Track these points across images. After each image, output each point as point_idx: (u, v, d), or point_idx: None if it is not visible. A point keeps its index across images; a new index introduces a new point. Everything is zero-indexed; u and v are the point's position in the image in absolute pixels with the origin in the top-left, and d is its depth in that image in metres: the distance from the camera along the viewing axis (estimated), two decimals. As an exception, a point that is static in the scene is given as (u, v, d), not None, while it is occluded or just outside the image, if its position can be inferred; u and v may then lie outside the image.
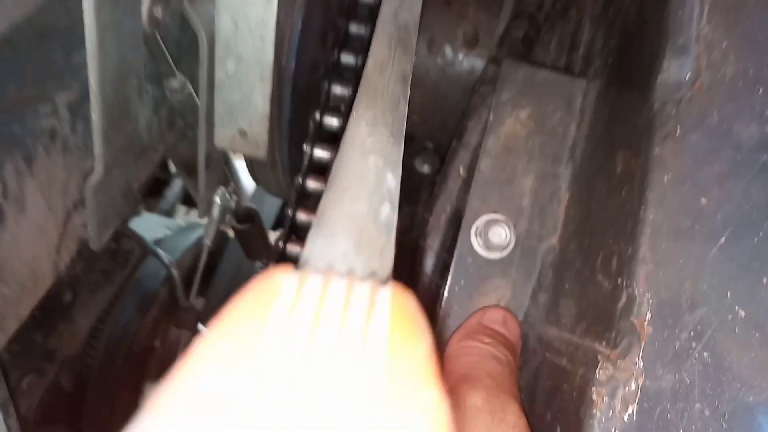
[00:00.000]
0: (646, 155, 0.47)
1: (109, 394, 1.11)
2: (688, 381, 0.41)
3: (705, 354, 0.41)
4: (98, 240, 0.76)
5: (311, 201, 0.78)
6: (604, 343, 0.44)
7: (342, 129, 0.75)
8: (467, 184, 0.66)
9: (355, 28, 0.77)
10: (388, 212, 0.25)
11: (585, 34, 0.76)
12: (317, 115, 0.75)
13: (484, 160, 0.63)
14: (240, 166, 1.48)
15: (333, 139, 0.76)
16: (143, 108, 0.81)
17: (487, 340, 0.56)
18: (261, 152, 0.69)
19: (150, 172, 0.91)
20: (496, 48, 0.75)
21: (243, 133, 0.68)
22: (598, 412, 0.41)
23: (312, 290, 0.20)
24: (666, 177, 0.45)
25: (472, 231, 0.62)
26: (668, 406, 0.40)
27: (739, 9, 0.48)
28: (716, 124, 0.46)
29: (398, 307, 0.21)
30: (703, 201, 0.44)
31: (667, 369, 0.41)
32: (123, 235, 1.15)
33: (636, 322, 0.42)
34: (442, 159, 0.96)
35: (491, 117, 0.64)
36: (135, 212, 0.89)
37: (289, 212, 0.70)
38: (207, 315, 1.29)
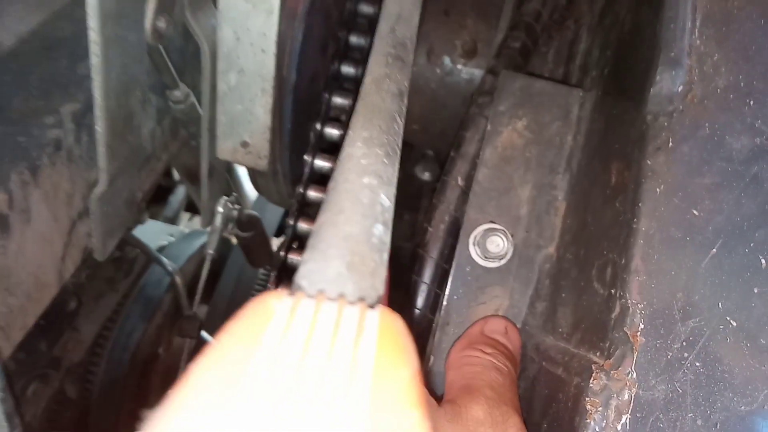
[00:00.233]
0: (639, 167, 0.48)
1: (113, 401, 1.12)
2: (681, 390, 0.42)
3: (697, 364, 0.42)
4: (102, 250, 0.77)
5: (312, 210, 0.79)
6: (598, 353, 0.45)
7: (342, 139, 0.75)
8: (465, 194, 0.67)
9: (355, 39, 0.77)
10: (381, 232, 0.25)
11: (582, 44, 0.76)
12: (318, 126, 0.76)
13: (481, 170, 0.64)
14: (243, 173, 1.49)
15: (334, 149, 0.77)
16: (147, 118, 0.82)
17: (489, 350, 0.56)
18: (263, 163, 0.70)
19: (154, 182, 0.92)
20: (494, 59, 0.76)
21: (245, 145, 0.69)
22: (591, 422, 0.42)
23: (303, 315, 0.21)
24: (658, 188, 0.46)
25: (470, 240, 0.62)
26: (661, 416, 0.41)
27: (730, 22, 0.49)
28: (708, 135, 0.47)
29: (385, 331, 0.21)
30: (695, 212, 0.45)
31: (660, 379, 0.42)
32: (127, 242, 1.16)
33: (629, 332, 0.43)
34: (442, 166, 0.97)
35: (489, 127, 0.65)
36: (139, 221, 0.90)
37: (291, 222, 0.71)
38: (210, 322, 1.30)
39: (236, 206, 0.97)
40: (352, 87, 0.79)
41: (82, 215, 0.81)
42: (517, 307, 0.62)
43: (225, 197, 0.95)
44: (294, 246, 0.73)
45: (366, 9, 0.77)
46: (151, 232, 1.35)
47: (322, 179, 0.77)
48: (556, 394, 0.49)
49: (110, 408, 1.11)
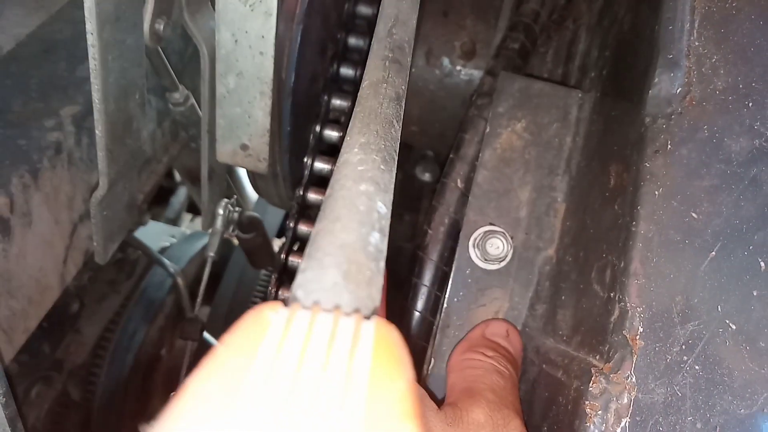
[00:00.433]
0: (637, 169, 0.48)
1: (116, 403, 1.12)
2: (680, 394, 0.42)
3: (697, 367, 0.42)
4: (104, 254, 0.78)
5: (312, 212, 0.79)
6: (597, 356, 0.45)
7: (341, 141, 0.76)
8: (465, 196, 0.67)
9: (353, 41, 0.77)
10: (378, 240, 0.26)
11: (581, 45, 0.76)
12: (317, 128, 0.76)
13: (481, 172, 0.64)
14: (244, 174, 1.49)
15: (333, 151, 0.77)
16: (147, 121, 0.82)
17: (490, 353, 0.56)
18: (262, 166, 0.71)
19: (154, 184, 0.92)
20: (493, 59, 0.75)
21: (244, 147, 0.70)
22: (591, 426, 0.42)
23: (299, 327, 0.21)
24: (657, 191, 0.46)
25: (470, 242, 0.62)
26: (660, 419, 0.41)
27: (729, 23, 0.49)
28: (707, 137, 0.47)
29: (381, 343, 0.21)
30: (694, 215, 0.45)
31: (659, 382, 0.42)
32: (129, 244, 1.17)
33: (628, 335, 0.43)
34: (443, 167, 0.97)
35: (488, 129, 0.65)
36: (140, 223, 0.90)
37: (291, 224, 0.71)
38: (212, 323, 1.30)
39: (237, 208, 0.97)
40: (351, 89, 0.79)
41: (83, 218, 0.81)
42: (517, 309, 0.62)
43: (226, 199, 0.95)
44: (294, 248, 0.73)
45: (364, 10, 0.77)
46: (153, 234, 1.35)
47: (321, 181, 0.77)
48: (556, 397, 0.49)
49: (113, 410, 1.12)
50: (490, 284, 0.62)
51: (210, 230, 0.98)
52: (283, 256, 0.70)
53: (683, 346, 0.42)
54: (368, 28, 0.79)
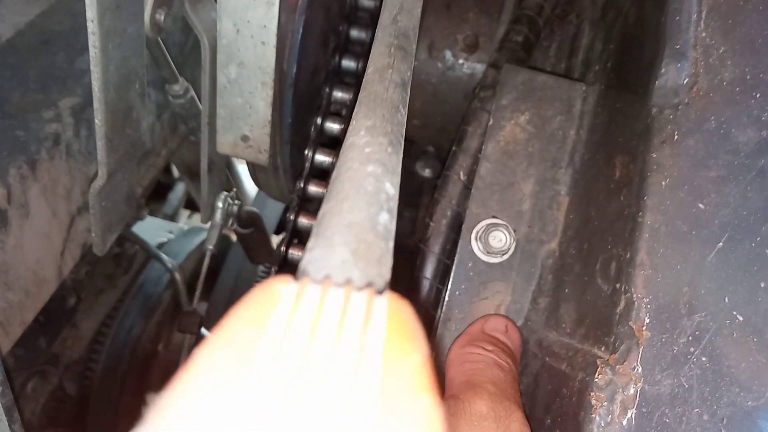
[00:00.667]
0: (644, 160, 0.47)
1: (112, 397, 1.12)
2: (687, 385, 0.41)
3: (703, 358, 0.41)
4: (102, 245, 0.77)
5: (313, 205, 0.79)
6: (603, 347, 0.45)
7: (343, 134, 0.75)
8: (467, 188, 0.66)
9: (356, 33, 0.77)
10: (387, 220, 0.25)
11: (584, 39, 0.76)
12: (318, 120, 0.75)
13: (484, 164, 0.64)
14: (243, 170, 1.49)
15: (334, 144, 0.76)
16: (146, 113, 0.81)
17: (490, 347, 0.56)
18: (263, 157, 0.70)
19: (153, 177, 0.92)
20: (496, 52, 0.75)
21: (245, 139, 0.69)
22: (597, 417, 0.42)
23: (310, 300, 0.21)
24: (664, 182, 0.46)
25: (473, 235, 0.62)
26: (667, 411, 0.41)
27: (736, 14, 0.48)
28: (714, 128, 0.46)
29: (394, 317, 0.21)
30: (701, 206, 0.45)
31: (666, 374, 0.41)
32: (126, 239, 1.16)
33: (634, 326, 0.43)
34: (443, 163, 0.97)
35: (491, 121, 0.65)
36: (138, 217, 0.89)
37: (291, 216, 0.71)
38: (210, 319, 1.29)
39: (236, 201, 0.96)
40: (353, 81, 0.78)
41: (81, 210, 0.81)
42: (519, 302, 0.61)
43: (225, 192, 0.94)
44: (294, 241, 0.73)
45: (366, 2, 0.76)
46: (151, 229, 1.35)
47: (322, 174, 0.76)
48: (560, 390, 0.48)
49: (109, 405, 1.11)
50: (493, 277, 0.62)
51: (209, 224, 0.98)
52: (283, 248, 0.69)
53: (690, 338, 0.42)
54: (370, 20, 0.78)
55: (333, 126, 0.75)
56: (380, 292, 0.22)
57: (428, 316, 0.67)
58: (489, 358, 0.55)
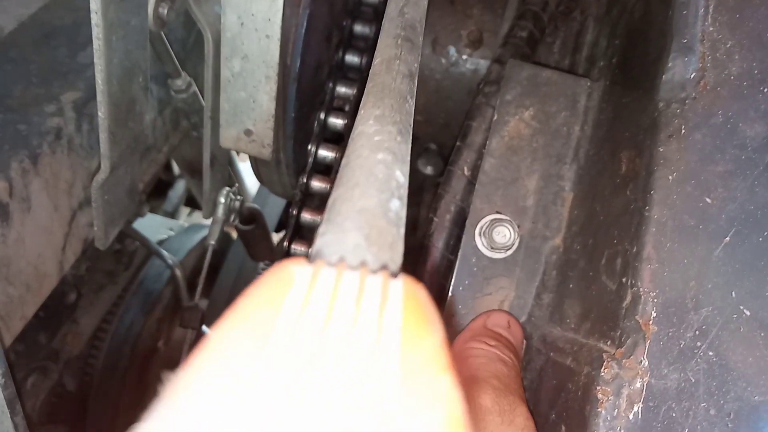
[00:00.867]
0: (650, 154, 0.47)
1: (112, 394, 1.11)
2: (694, 380, 0.41)
3: (710, 353, 0.41)
4: (104, 239, 0.77)
5: (315, 201, 0.79)
6: (609, 342, 0.44)
7: (346, 129, 0.75)
8: (471, 183, 0.66)
9: (359, 28, 0.77)
10: (398, 207, 0.25)
11: (589, 36, 0.76)
12: (321, 115, 0.75)
13: (488, 160, 0.63)
14: (243, 168, 1.49)
15: (337, 140, 0.76)
16: (148, 108, 0.81)
17: (493, 342, 0.56)
18: (266, 152, 0.70)
19: (154, 173, 0.91)
20: (500, 48, 0.75)
21: (248, 133, 0.69)
22: (603, 411, 0.41)
23: (325, 282, 0.20)
24: (671, 176, 0.45)
25: (477, 231, 0.62)
26: (673, 405, 0.40)
27: (743, 8, 0.48)
28: (721, 123, 0.46)
29: (410, 299, 0.21)
30: (708, 200, 0.44)
31: (673, 368, 0.41)
32: (127, 235, 1.16)
33: (641, 321, 0.42)
34: (445, 160, 0.96)
35: (495, 117, 0.64)
36: (139, 213, 0.89)
37: (294, 212, 0.70)
38: (210, 316, 1.29)
39: (239, 197, 0.96)
40: (357, 77, 0.78)
41: (83, 205, 0.80)
42: (523, 298, 0.61)
43: (227, 188, 0.94)
44: (297, 237, 0.73)
45: (371, -2, 0.76)
46: (151, 226, 1.34)
47: (325, 169, 0.76)
48: (564, 384, 0.48)
49: (109, 401, 1.11)
50: (496, 273, 0.61)
51: (210, 220, 0.98)
52: (286, 243, 0.69)
53: (697, 332, 0.42)
54: (374, 15, 0.78)
55: (336, 121, 0.75)
56: (394, 274, 0.22)
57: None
58: (492, 353, 0.55)
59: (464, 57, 0.90)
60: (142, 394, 1.17)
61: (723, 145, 0.46)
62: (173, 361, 1.20)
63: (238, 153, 1.31)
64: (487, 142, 0.64)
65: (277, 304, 0.19)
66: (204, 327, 1.13)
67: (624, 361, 0.42)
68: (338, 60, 0.76)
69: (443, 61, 0.90)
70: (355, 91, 0.76)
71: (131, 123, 0.72)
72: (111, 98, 0.64)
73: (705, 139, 0.46)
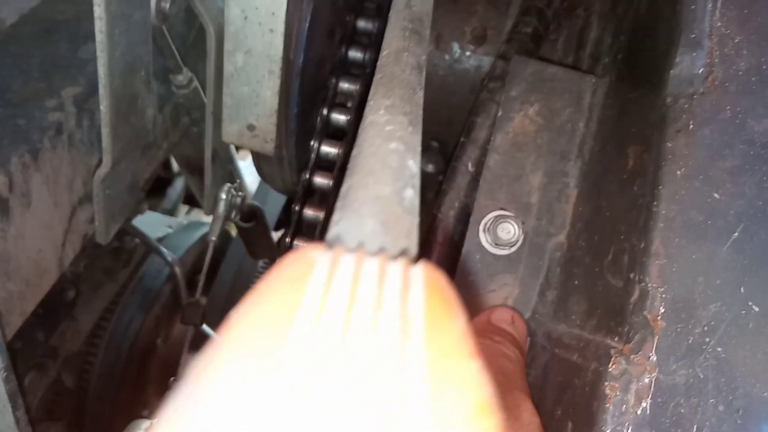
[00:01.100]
0: (658, 149, 0.47)
1: (110, 391, 1.11)
2: (702, 376, 0.41)
3: (719, 349, 0.41)
4: (105, 234, 0.76)
5: (317, 197, 0.78)
6: (616, 338, 0.44)
7: (348, 125, 0.75)
8: (475, 179, 0.66)
9: (362, 24, 0.76)
10: (412, 195, 0.25)
11: (593, 32, 0.76)
12: (324, 111, 0.74)
13: (492, 156, 0.63)
14: (243, 167, 1.48)
15: (340, 136, 0.76)
16: (150, 103, 0.81)
17: (497, 338, 0.55)
18: (269, 147, 0.69)
19: (155, 169, 0.91)
20: (505, 44, 0.75)
21: (251, 128, 0.68)
22: (611, 407, 0.41)
23: (346, 268, 0.20)
24: (679, 171, 0.45)
25: (481, 227, 0.61)
26: (682, 401, 0.40)
27: (752, 4, 0.48)
28: (729, 118, 0.46)
29: (432, 285, 0.21)
30: (717, 196, 0.44)
31: (681, 364, 0.41)
32: (126, 232, 1.15)
33: (649, 316, 0.42)
34: (447, 158, 0.96)
35: (500, 113, 0.64)
36: (138, 210, 0.88)
37: (296, 208, 0.70)
38: (209, 314, 1.28)
39: (240, 193, 0.95)
40: (360, 73, 0.78)
41: (83, 201, 0.80)
42: (527, 295, 0.61)
43: (229, 184, 0.93)
44: (299, 233, 0.72)
45: (374, -7, 0.76)
46: (150, 224, 1.33)
47: (328, 166, 0.76)
48: (571, 381, 0.48)
49: (107, 398, 1.10)
50: (500, 270, 0.61)
51: (209, 218, 0.97)
52: (288, 239, 0.69)
53: (705, 328, 0.41)
54: (377, 11, 0.78)
55: (339, 117, 0.74)
56: (413, 261, 0.21)
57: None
58: (497, 349, 0.54)
59: (467, 53, 0.90)
60: (140, 391, 1.17)
61: (731, 141, 0.45)
62: (172, 358, 1.19)
63: (238, 150, 1.30)
64: (492, 138, 0.64)
65: (298, 290, 0.19)
66: (204, 327, 1.12)
67: (632, 356, 0.42)
68: (341, 56, 0.76)
69: (447, 57, 0.90)
70: (358, 87, 0.75)
71: (133, 118, 0.71)
72: (113, 92, 0.64)
73: (713, 134, 0.46)
